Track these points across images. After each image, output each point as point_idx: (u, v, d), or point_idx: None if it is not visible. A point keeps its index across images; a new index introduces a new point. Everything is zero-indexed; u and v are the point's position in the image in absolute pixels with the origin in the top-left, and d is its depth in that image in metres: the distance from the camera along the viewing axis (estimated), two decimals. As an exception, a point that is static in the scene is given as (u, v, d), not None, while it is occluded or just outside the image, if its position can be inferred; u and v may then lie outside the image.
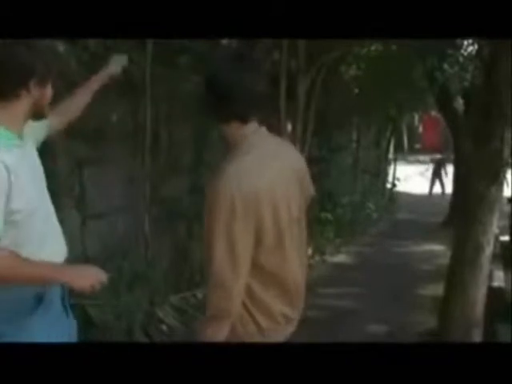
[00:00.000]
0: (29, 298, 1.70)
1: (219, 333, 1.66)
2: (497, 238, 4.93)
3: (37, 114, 1.74)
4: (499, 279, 5.79)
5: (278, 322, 1.77)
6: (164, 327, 4.08)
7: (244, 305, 1.69)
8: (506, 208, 7.79)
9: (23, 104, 1.67)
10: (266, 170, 1.68)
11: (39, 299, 1.71)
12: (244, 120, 1.71)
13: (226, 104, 1.68)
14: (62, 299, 1.84)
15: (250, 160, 1.67)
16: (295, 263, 1.80)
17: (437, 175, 14.06)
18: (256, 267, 1.68)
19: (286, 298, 1.79)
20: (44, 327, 1.72)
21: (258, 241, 1.65)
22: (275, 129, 1.83)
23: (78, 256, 2.10)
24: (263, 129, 1.76)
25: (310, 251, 6.76)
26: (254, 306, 1.71)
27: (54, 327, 1.76)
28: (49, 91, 1.73)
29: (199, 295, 4.45)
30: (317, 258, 6.87)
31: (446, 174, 13.56)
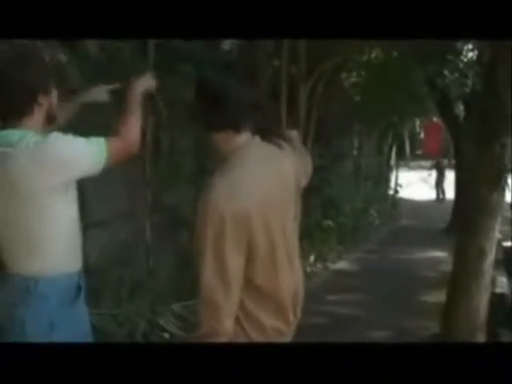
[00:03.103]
0: (73, 288, 1.88)
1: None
2: (499, 243, 4.91)
3: (50, 119, 1.91)
4: (502, 285, 5.77)
5: (270, 336, 1.68)
6: (166, 335, 4.06)
7: (236, 319, 1.61)
8: (508, 213, 7.79)
9: (38, 115, 1.85)
10: (259, 183, 1.60)
11: (79, 289, 1.90)
12: (237, 129, 1.62)
13: (217, 111, 1.60)
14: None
15: (242, 174, 1.58)
16: (288, 276, 1.72)
17: (439, 181, 14.08)
18: (248, 283, 1.60)
19: (280, 313, 1.71)
20: (83, 312, 1.94)
21: (250, 257, 1.58)
22: (280, 137, 1.75)
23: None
24: (257, 138, 1.67)
25: (312, 258, 6.76)
26: (245, 321, 1.64)
27: (85, 313, 1.97)
28: (55, 97, 1.90)
29: (201, 303, 4.42)
30: (319, 264, 6.86)
31: (442, 182, 13.66)
